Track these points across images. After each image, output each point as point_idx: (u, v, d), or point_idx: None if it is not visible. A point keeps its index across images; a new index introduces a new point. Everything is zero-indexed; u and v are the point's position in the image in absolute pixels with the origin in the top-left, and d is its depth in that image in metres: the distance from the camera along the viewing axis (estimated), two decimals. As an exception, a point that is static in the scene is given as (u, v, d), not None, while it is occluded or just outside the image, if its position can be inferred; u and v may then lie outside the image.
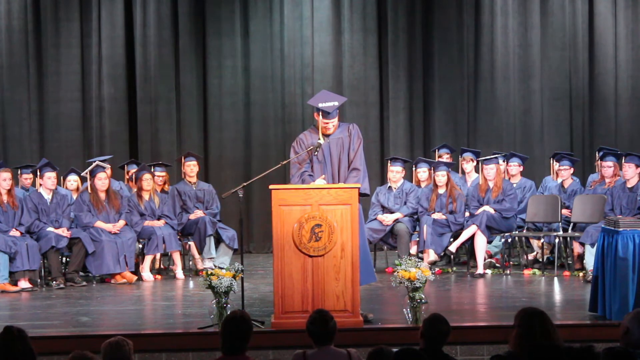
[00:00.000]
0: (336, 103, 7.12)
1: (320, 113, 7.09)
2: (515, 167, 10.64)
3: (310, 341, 4.77)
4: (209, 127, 12.78)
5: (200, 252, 10.39)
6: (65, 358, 4.20)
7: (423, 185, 10.57)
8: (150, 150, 12.54)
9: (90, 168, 9.98)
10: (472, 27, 12.83)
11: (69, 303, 8.34)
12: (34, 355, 4.30)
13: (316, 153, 7.09)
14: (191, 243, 10.46)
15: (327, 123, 7.09)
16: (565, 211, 9.92)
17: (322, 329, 4.72)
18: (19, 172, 10.57)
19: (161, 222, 10.14)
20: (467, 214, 10.06)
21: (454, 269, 10.07)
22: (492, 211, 9.83)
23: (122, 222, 9.85)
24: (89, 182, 9.94)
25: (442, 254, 10.27)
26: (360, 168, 7.08)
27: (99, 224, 9.74)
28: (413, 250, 10.32)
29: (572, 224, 9.84)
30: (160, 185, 10.63)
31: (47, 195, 9.74)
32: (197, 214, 10.44)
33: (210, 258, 10.28)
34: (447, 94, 12.85)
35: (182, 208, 10.54)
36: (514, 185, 10.38)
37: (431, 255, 9.84)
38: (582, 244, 9.38)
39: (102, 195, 9.85)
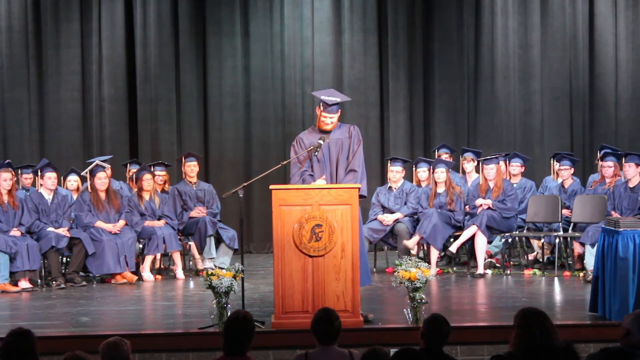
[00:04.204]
0: (339, 99, 7.14)
1: (321, 104, 7.09)
2: (517, 167, 10.64)
3: (311, 341, 4.76)
4: (209, 127, 12.78)
5: (201, 252, 10.39)
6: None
7: (423, 185, 10.56)
8: (151, 150, 12.54)
9: (90, 168, 9.97)
10: (472, 27, 12.84)
11: (69, 303, 8.34)
12: (37, 360, 4.31)
13: (316, 153, 7.08)
14: (191, 243, 10.46)
15: (325, 116, 7.08)
16: (565, 211, 9.92)
17: (328, 328, 4.71)
18: (19, 172, 10.57)
19: (161, 222, 10.14)
20: (467, 208, 10.06)
21: (454, 269, 10.08)
22: (490, 205, 9.83)
23: (122, 222, 9.85)
24: (89, 182, 9.94)
25: (442, 255, 10.28)
26: (358, 170, 7.05)
27: (99, 224, 9.74)
28: (413, 250, 10.31)
29: (572, 224, 9.84)
30: (160, 185, 10.63)
31: (48, 196, 9.74)
32: (199, 209, 10.44)
33: (211, 258, 10.28)
34: (447, 94, 12.85)
35: (183, 208, 10.54)
36: (515, 185, 10.38)
37: (433, 254, 9.81)
38: (583, 244, 9.38)
39: (102, 195, 9.85)
